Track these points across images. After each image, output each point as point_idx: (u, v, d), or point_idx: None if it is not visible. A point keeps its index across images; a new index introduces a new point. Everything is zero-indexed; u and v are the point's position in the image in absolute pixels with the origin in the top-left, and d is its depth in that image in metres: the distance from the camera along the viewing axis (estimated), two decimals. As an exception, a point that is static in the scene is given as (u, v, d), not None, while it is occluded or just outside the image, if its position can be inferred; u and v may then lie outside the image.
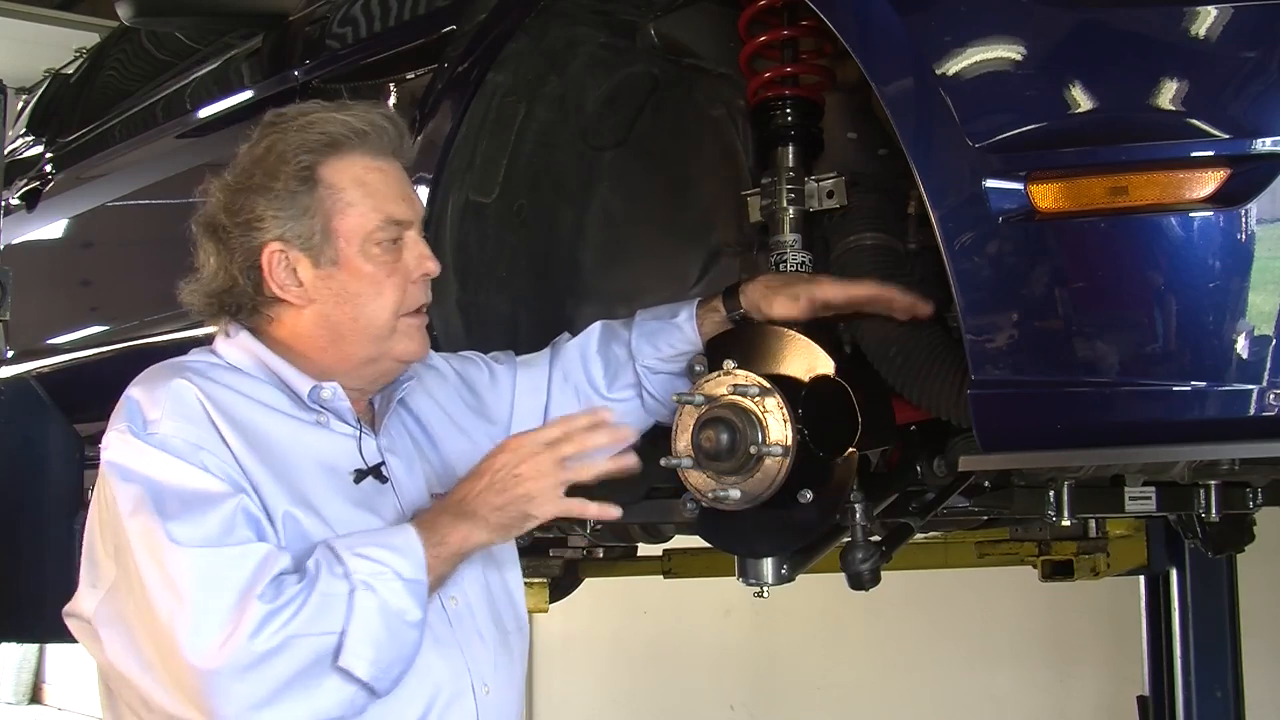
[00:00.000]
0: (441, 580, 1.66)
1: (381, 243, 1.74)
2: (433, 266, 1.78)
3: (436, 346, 2.11)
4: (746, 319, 2.00)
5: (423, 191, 2.19)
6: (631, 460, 1.73)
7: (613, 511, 1.71)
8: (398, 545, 1.60)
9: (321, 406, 1.76)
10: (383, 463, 1.78)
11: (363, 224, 1.74)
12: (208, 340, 1.84)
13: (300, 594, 1.53)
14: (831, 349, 1.93)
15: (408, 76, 2.41)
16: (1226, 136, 1.50)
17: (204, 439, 1.63)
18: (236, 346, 1.78)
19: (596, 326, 2.09)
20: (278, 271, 1.73)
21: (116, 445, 1.64)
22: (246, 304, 1.76)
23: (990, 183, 1.59)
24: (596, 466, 1.69)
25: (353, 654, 1.54)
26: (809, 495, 1.88)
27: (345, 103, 1.82)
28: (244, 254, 1.73)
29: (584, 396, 2.05)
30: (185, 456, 1.60)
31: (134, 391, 1.68)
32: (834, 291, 1.92)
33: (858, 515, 1.97)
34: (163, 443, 1.61)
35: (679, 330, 2.01)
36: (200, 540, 1.55)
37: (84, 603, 1.66)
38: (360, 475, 1.75)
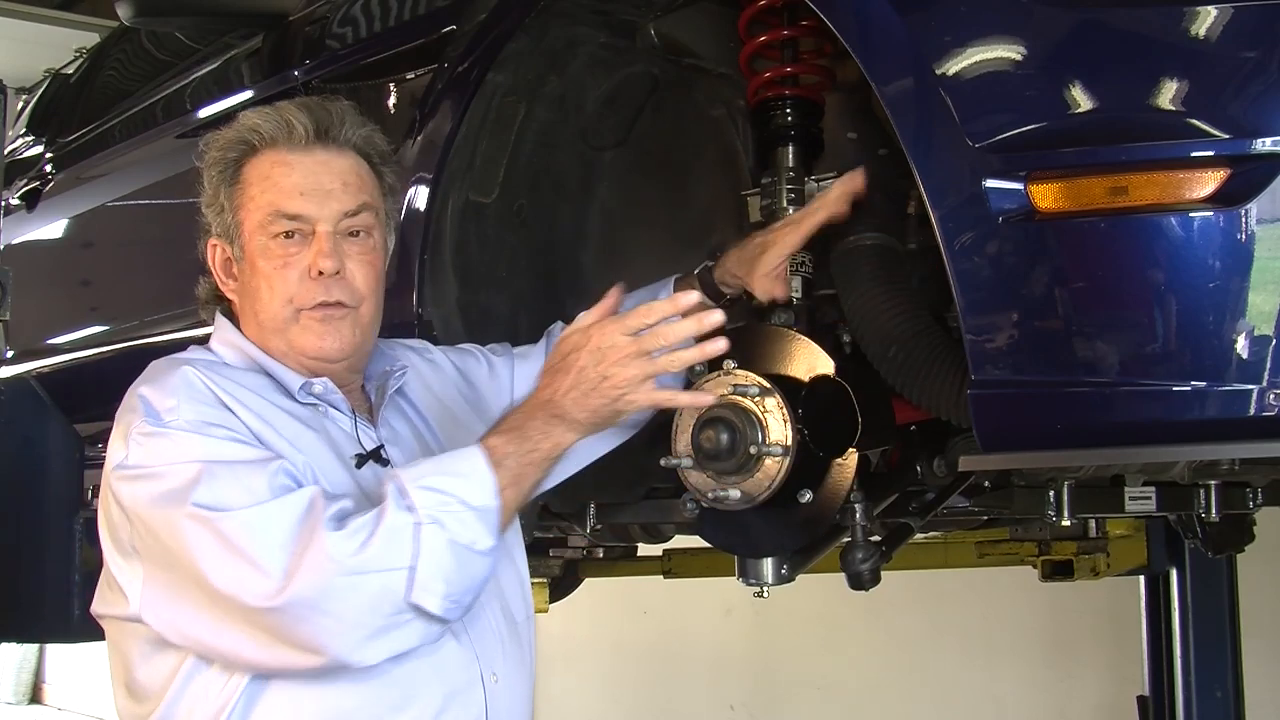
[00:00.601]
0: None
1: (275, 236, 1.75)
2: (325, 265, 1.74)
3: (437, 345, 2.11)
4: (719, 292, 2.02)
5: (423, 191, 2.19)
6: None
7: (705, 399, 1.76)
8: (464, 471, 1.59)
9: (316, 399, 1.77)
10: (382, 446, 1.79)
11: (254, 216, 1.76)
12: (207, 340, 1.85)
13: (366, 526, 1.54)
14: (831, 349, 1.94)
15: (408, 76, 2.41)
16: (1226, 136, 1.50)
17: (223, 418, 1.65)
18: (228, 345, 1.81)
19: None
20: (216, 265, 1.82)
21: (139, 443, 1.64)
22: (214, 295, 1.86)
23: (990, 183, 1.59)
24: (685, 356, 1.63)
25: (423, 589, 1.54)
26: (809, 495, 1.88)
27: (294, 100, 1.85)
28: (203, 250, 1.84)
29: None
30: (210, 433, 1.63)
31: (142, 389, 1.69)
32: (792, 242, 1.95)
33: (858, 515, 1.97)
34: (187, 425, 1.63)
35: None
36: (249, 501, 1.56)
37: (117, 603, 1.67)
38: (361, 460, 1.76)
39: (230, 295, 1.82)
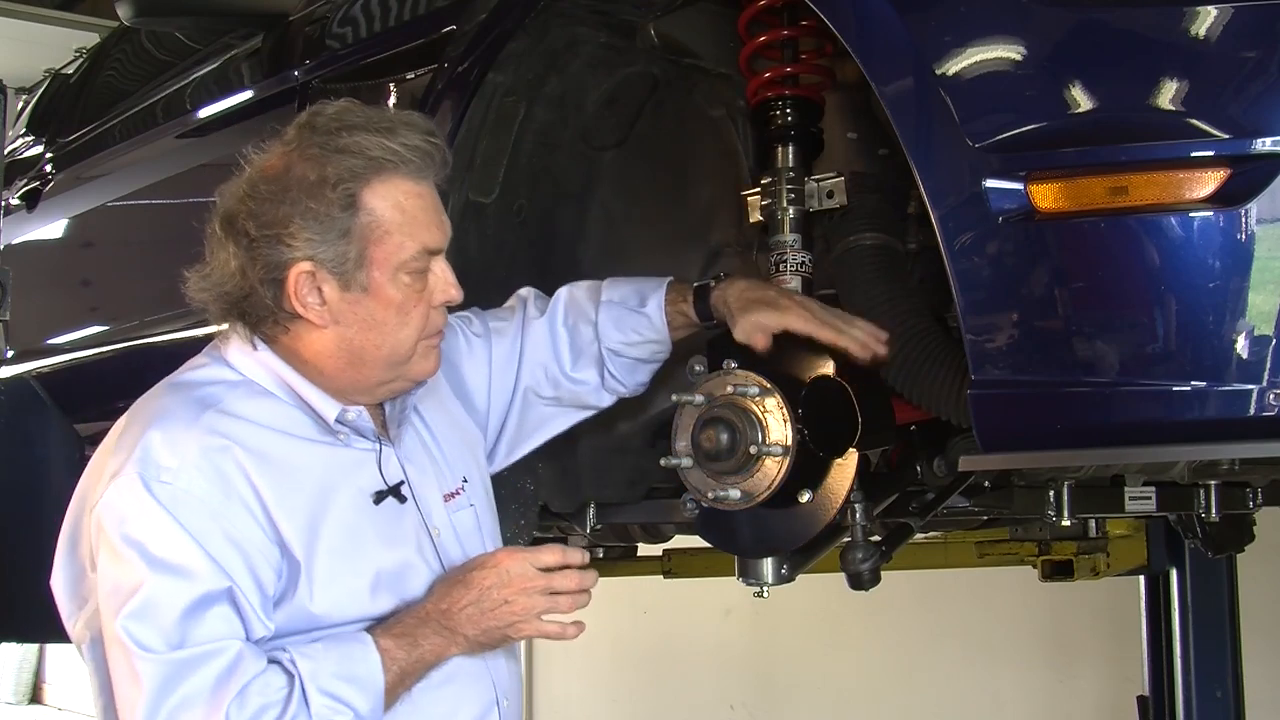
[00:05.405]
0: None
1: (414, 271, 1.71)
2: (456, 294, 1.75)
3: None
4: (709, 314, 1.97)
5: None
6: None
7: (576, 631, 1.74)
8: (360, 676, 1.61)
9: (346, 427, 1.75)
10: (403, 481, 1.77)
11: (398, 253, 1.69)
12: (208, 340, 1.83)
13: (266, 713, 1.54)
14: (831, 349, 1.93)
15: (408, 76, 2.41)
16: (1226, 136, 1.50)
17: (218, 505, 1.60)
18: (257, 363, 1.73)
19: (561, 297, 2.06)
20: (302, 291, 1.67)
21: (121, 487, 1.60)
22: (265, 315, 1.70)
23: (990, 183, 1.59)
24: (579, 600, 1.73)
25: None
26: (809, 495, 1.88)
27: (389, 117, 1.73)
28: (268, 266, 1.67)
29: (550, 374, 2.05)
30: (188, 522, 1.58)
31: (153, 430, 1.62)
32: (797, 326, 1.88)
33: (858, 515, 1.97)
34: (173, 499, 1.58)
35: (646, 319, 2.00)
36: (165, 643, 1.55)
37: (71, 625, 1.70)
38: (380, 496, 1.74)
39: (315, 320, 1.69)
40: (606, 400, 2.07)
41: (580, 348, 2.03)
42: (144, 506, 1.58)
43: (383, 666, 1.62)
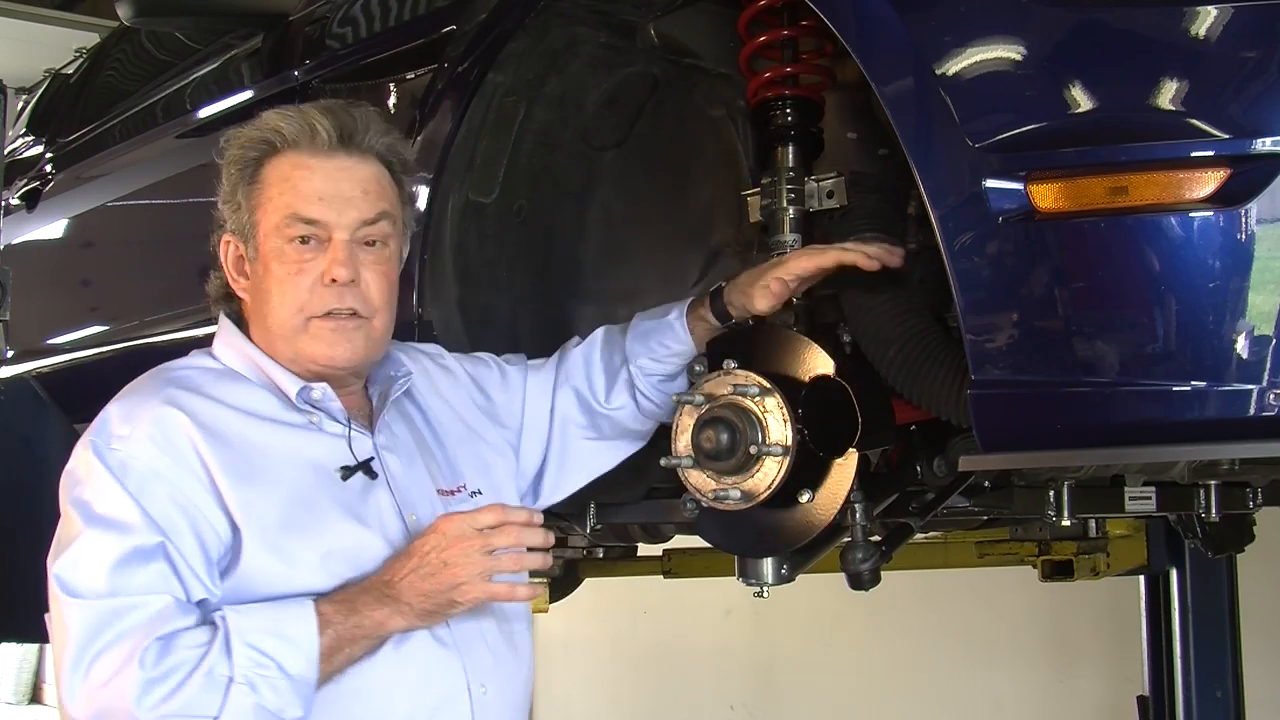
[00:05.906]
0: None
1: (291, 240, 1.74)
2: (340, 273, 1.73)
3: (437, 343, 2.11)
4: (727, 314, 1.99)
5: (422, 191, 2.19)
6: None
7: (527, 592, 1.72)
8: (292, 635, 1.59)
9: (313, 407, 1.76)
10: (372, 458, 1.78)
11: (271, 218, 1.75)
12: (208, 340, 1.85)
13: (185, 666, 1.54)
14: (831, 349, 1.93)
15: (408, 76, 2.41)
16: (1226, 136, 1.50)
17: (164, 469, 1.63)
18: (231, 348, 1.80)
19: (599, 333, 2.09)
20: (228, 261, 1.81)
21: (78, 455, 1.67)
22: (224, 292, 1.84)
23: (990, 183, 1.59)
24: (527, 559, 1.69)
25: None
26: (809, 495, 1.88)
27: (319, 103, 1.84)
28: (216, 244, 1.83)
29: (584, 404, 2.06)
30: (131, 484, 1.61)
31: (114, 405, 1.70)
32: (803, 266, 1.91)
33: (858, 515, 1.97)
34: (120, 464, 1.62)
35: (670, 329, 2.01)
36: (94, 591, 1.57)
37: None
38: (347, 472, 1.74)
39: (241, 294, 1.81)
40: (648, 424, 2.08)
41: (613, 373, 2.05)
42: (93, 471, 1.63)
43: (318, 628, 1.59)
